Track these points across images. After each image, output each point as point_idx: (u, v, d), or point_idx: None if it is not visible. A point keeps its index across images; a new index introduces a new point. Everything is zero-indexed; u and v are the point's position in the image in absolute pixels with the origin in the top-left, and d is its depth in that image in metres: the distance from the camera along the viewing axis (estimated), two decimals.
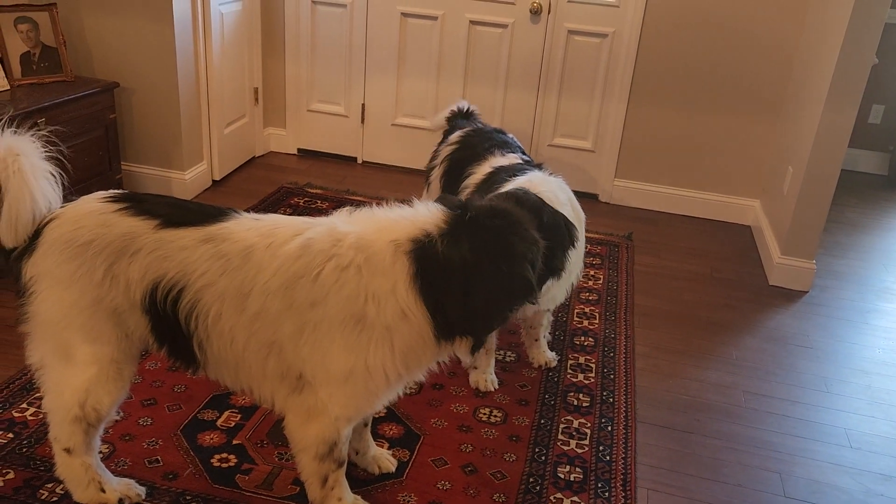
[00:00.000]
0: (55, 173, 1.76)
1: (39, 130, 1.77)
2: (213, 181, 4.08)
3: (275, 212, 3.74)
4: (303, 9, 4.30)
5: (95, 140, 3.38)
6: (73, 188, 3.27)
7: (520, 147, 2.86)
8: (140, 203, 1.76)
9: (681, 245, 3.86)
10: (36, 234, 1.72)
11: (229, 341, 1.72)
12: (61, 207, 1.77)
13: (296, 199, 3.95)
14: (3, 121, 1.74)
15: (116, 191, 1.84)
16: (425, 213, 1.73)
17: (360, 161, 4.61)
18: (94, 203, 1.76)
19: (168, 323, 1.72)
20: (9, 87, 3.11)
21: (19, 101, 3.02)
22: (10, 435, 2.15)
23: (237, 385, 1.82)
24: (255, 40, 4.28)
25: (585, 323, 2.99)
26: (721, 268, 3.65)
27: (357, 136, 4.53)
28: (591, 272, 3.42)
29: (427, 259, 1.65)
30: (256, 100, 4.42)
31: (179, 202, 1.83)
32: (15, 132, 1.71)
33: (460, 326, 1.69)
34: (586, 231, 3.73)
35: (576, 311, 3.07)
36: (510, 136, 2.94)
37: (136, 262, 1.69)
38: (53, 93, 3.16)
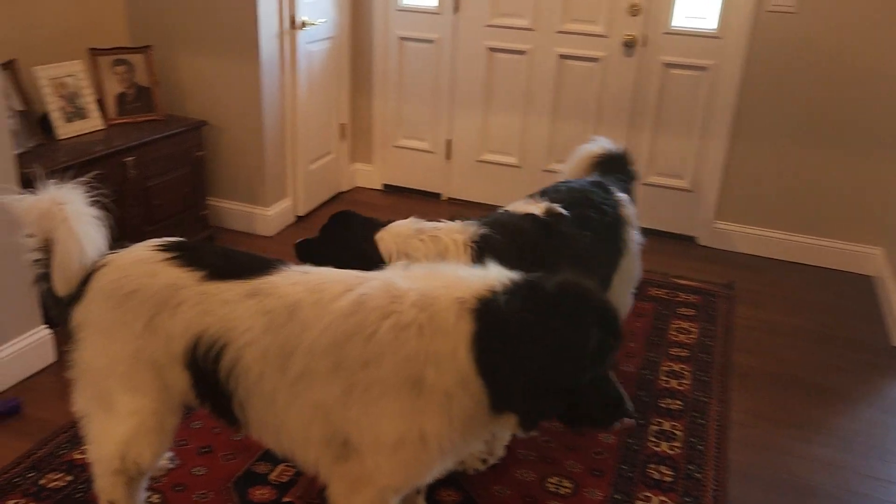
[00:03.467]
0: (101, 219, 1.73)
1: (81, 180, 1.75)
2: (297, 217, 4.09)
3: None
4: (391, 45, 4.28)
5: (182, 177, 3.45)
6: (160, 224, 3.35)
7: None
8: (189, 252, 1.71)
9: (788, 296, 3.50)
10: (85, 281, 1.70)
11: (270, 403, 1.63)
12: (112, 254, 1.74)
13: None
14: (53, 171, 1.74)
15: (171, 238, 1.80)
16: (495, 272, 1.61)
17: (444, 197, 4.51)
18: (144, 251, 1.72)
19: (209, 380, 1.65)
20: (104, 127, 3.22)
21: (112, 140, 3.11)
22: (70, 478, 2.15)
23: (280, 449, 1.72)
24: (343, 77, 4.30)
25: (673, 383, 2.73)
26: (834, 324, 3.27)
27: (442, 172, 4.45)
28: (684, 325, 3.14)
29: (488, 318, 1.51)
30: (343, 135, 4.43)
31: (229, 252, 1.77)
32: (59, 183, 1.70)
33: (513, 398, 1.53)
34: (681, 278, 3.46)
35: (663, 368, 2.81)
36: (613, 188, 2.53)
37: (179, 315, 1.63)
38: (144, 132, 3.24)
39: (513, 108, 4.16)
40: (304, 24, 3.74)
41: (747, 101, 3.71)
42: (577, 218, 2.28)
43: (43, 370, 2.65)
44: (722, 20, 3.66)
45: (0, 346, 2.50)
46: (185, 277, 1.66)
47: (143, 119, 3.38)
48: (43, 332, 2.64)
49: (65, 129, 3.06)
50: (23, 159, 2.65)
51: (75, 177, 1.75)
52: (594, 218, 2.34)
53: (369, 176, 4.61)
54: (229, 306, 1.62)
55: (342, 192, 4.54)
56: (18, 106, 2.91)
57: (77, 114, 3.12)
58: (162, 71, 3.60)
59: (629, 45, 3.80)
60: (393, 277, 1.65)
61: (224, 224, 3.89)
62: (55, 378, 2.61)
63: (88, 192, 1.75)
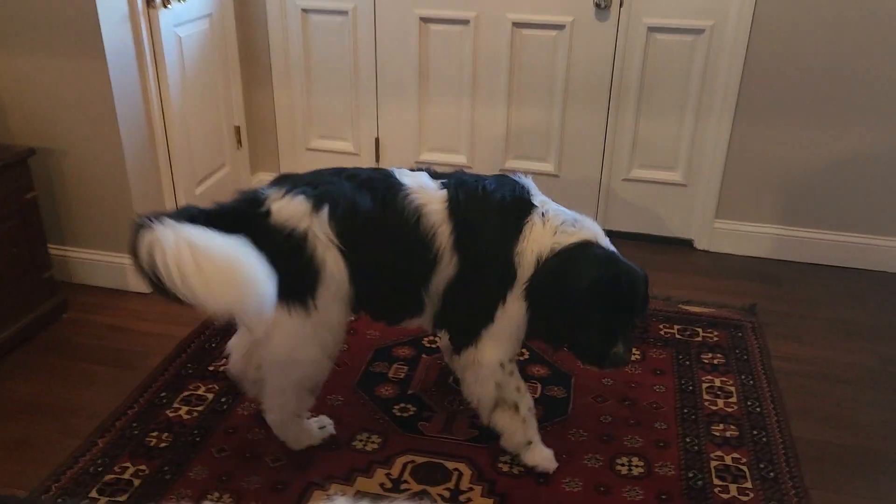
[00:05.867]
0: None
1: None
2: None
3: None
4: (291, 20, 3.28)
5: (7, 233, 2.41)
6: None
7: None
8: None
9: (825, 316, 2.79)
10: None
11: None
12: None
13: None
14: None
15: None
16: None
17: None
18: None
19: None
20: None
21: None
22: None
23: None
24: (232, 66, 3.28)
25: (734, 490, 1.95)
26: (893, 353, 2.59)
27: None
28: (717, 382, 2.38)
29: None
30: (239, 141, 3.43)
31: None
32: None
33: None
34: (691, 304, 2.58)
35: (713, 463, 2.04)
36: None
37: None
38: None
39: (456, 93, 3.25)
40: (166, 1, 2.71)
41: (753, 72, 2.93)
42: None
43: None
44: None
45: None
46: None
47: None
48: None
49: None
50: None
51: None
52: None
53: None
54: None
55: None
56: None
57: None
58: None
59: (602, 5, 2.95)
60: None
61: (85, 280, 2.87)
62: None
63: None
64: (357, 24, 3.23)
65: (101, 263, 2.84)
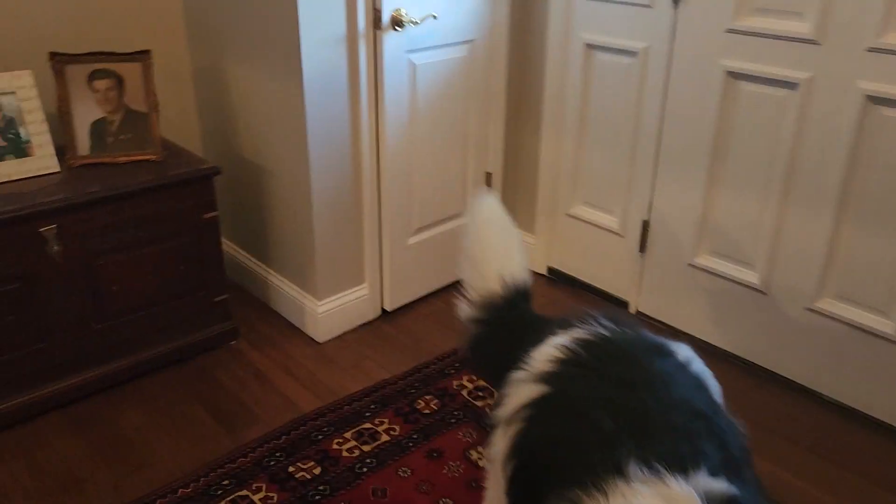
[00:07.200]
0: None
1: None
2: (383, 311, 2.72)
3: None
4: (572, 56, 2.62)
5: (177, 249, 2.30)
6: (120, 319, 2.24)
7: None
8: None
9: None
10: None
11: None
12: None
13: None
14: None
15: None
16: None
17: (633, 310, 2.75)
18: None
19: None
20: (59, 170, 2.20)
21: (43, 192, 2.06)
22: None
23: None
24: (496, 103, 2.77)
25: None
26: None
27: (632, 268, 2.69)
28: None
29: None
30: (489, 189, 2.91)
31: None
32: None
33: None
34: None
35: None
36: None
37: None
38: (112, 180, 2.15)
39: (761, 182, 2.23)
40: (398, 23, 2.31)
41: None
42: None
43: None
44: None
45: None
46: None
47: (126, 159, 2.29)
48: None
49: None
50: None
51: None
52: None
53: (531, 252, 3.04)
54: None
55: None
56: None
57: (12, 149, 2.14)
58: (168, 88, 2.49)
59: None
60: None
61: (278, 307, 2.70)
62: None
63: None
64: (646, 69, 2.42)
65: (288, 294, 2.63)
